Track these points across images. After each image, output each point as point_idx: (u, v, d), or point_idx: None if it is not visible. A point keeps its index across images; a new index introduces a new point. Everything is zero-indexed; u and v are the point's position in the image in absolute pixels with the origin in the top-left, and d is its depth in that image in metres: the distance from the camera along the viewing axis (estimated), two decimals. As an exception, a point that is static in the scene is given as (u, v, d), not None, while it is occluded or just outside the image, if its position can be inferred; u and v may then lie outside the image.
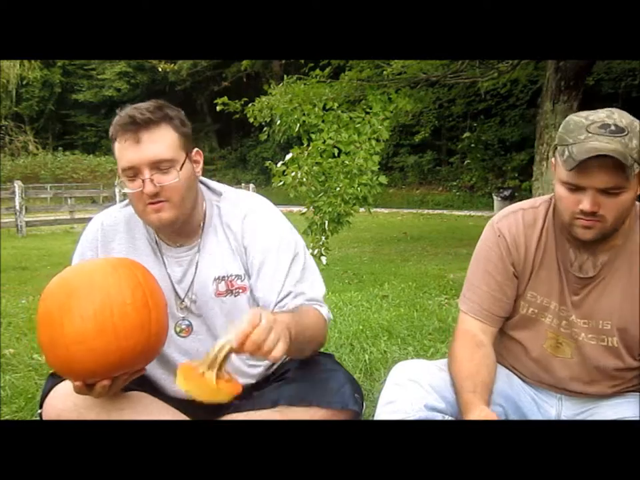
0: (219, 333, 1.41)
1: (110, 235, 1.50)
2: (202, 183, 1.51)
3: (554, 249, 1.35)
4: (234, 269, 1.46)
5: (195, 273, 1.46)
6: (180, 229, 1.43)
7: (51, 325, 1.22)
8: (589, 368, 1.35)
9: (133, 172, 1.34)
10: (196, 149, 1.45)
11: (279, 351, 1.11)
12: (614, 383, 1.35)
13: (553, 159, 1.30)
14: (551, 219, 1.36)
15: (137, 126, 1.33)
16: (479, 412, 1.17)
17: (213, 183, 1.54)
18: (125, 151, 1.34)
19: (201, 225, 1.47)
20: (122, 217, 1.52)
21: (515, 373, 1.44)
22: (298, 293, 1.43)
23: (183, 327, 1.47)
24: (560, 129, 1.24)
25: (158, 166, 1.34)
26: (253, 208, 1.49)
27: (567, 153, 1.19)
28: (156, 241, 1.48)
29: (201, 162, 1.47)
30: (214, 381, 1.10)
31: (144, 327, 1.24)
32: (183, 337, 1.47)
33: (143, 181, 1.33)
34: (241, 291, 1.46)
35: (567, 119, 1.25)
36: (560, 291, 1.35)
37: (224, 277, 1.45)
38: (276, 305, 1.42)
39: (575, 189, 1.20)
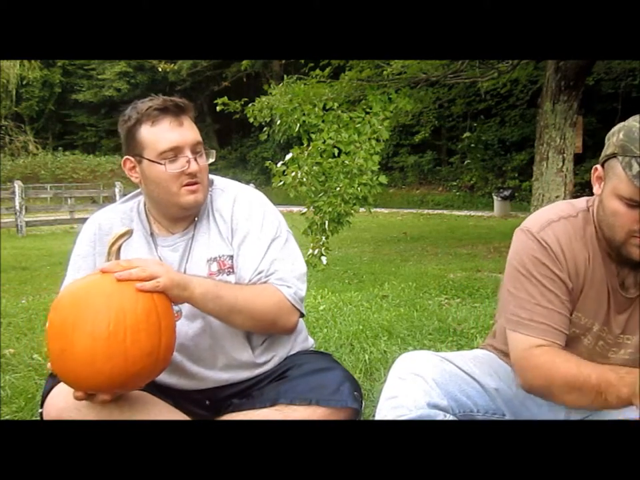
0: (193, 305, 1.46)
1: (105, 229, 1.54)
2: None
3: (602, 266, 1.23)
4: (225, 249, 1.50)
5: (190, 256, 1.51)
6: (183, 216, 1.51)
7: (62, 338, 1.20)
8: None
9: (174, 153, 1.42)
10: None
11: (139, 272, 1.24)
12: None
13: (597, 170, 1.18)
14: (592, 232, 1.24)
15: (180, 110, 1.43)
16: None
17: None
18: (167, 133, 1.42)
19: (197, 211, 1.53)
20: (117, 213, 1.57)
21: None
22: (270, 272, 1.46)
23: (174, 312, 1.50)
24: (620, 136, 1.11)
25: (195, 149, 1.45)
26: (240, 193, 1.56)
27: (636, 166, 1.07)
28: (151, 233, 1.53)
29: None
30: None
31: (153, 353, 1.23)
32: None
33: (188, 160, 1.42)
34: (232, 270, 1.50)
35: (626, 125, 1.12)
36: (606, 312, 1.26)
37: (216, 257, 1.50)
38: (249, 281, 1.46)
39: (636, 205, 1.10)
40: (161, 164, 1.41)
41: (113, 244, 1.30)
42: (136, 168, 1.47)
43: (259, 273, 1.46)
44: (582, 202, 1.29)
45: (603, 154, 1.18)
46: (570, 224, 1.24)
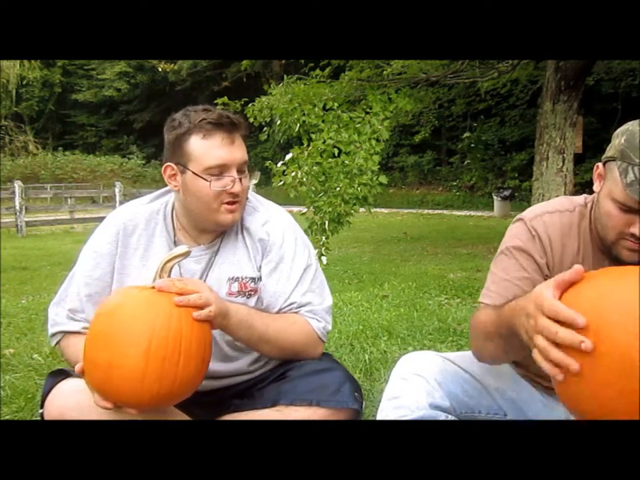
0: (224, 332, 1.43)
1: (129, 229, 1.50)
2: None
3: (591, 261, 1.25)
4: (249, 271, 1.49)
5: (211, 271, 1.49)
6: (215, 230, 1.49)
7: (112, 351, 1.17)
8: None
9: (220, 170, 1.39)
10: None
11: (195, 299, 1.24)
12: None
13: (599, 167, 1.19)
14: (586, 227, 1.26)
15: (233, 127, 1.40)
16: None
17: None
18: (217, 149, 1.38)
19: None
20: (143, 213, 1.53)
21: (527, 379, 1.39)
22: (302, 304, 1.47)
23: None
24: (622, 141, 1.11)
25: (242, 168, 1.42)
26: (272, 214, 1.53)
27: (632, 175, 1.08)
28: (174, 242, 1.50)
29: None
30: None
31: (196, 381, 1.26)
32: None
33: (233, 180, 1.39)
34: (253, 293, 1.49)
35: (630, 129, 1.12)
36: None
37: (238, 277, 1.48)
38: (279, 310, 1.47)
39: (627, 209, 1.11)
40: (206, 180, 1.38)
41: (168, 261, 1.28)
42: (176, 177, 1.43)
43: (291, 304, 1.47)
44: (581, 198, 1.31)
45: (605, 153, 1.18)
46: (565, 217, 1.27)
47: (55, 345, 1.54)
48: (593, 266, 1.25)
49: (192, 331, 1.22)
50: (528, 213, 1.31)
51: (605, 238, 1.20)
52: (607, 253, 1.23)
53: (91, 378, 1.23)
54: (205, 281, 1.47)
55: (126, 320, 1.20)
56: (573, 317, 0.82)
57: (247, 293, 1.48)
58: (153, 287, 1.26)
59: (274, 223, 1.51)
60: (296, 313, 1.47)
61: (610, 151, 1.16)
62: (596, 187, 1.22)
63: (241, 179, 1.41)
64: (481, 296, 1.34)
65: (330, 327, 1.53)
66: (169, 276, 1.29)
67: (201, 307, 1.25)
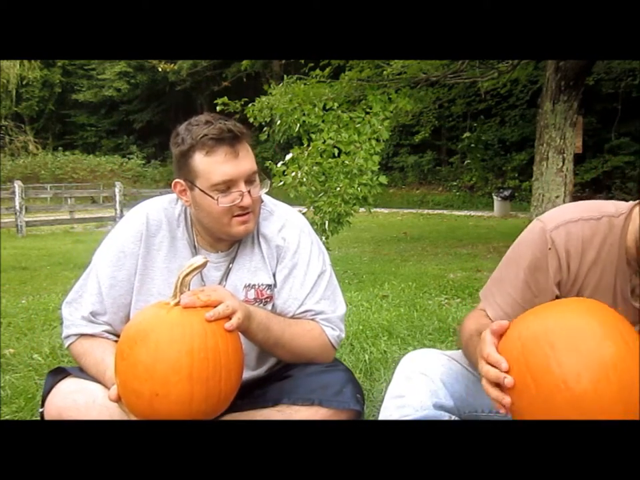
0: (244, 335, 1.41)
1: (153, 230, 1.48)
2: None
3: (613, 275, 1.19)
4: (264, 278, 1.48)
5: (229, 278, 1.48)
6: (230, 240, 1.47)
7: (154, 381, 1.15)
8: None
9: (227, 185, 1.36)
10: None
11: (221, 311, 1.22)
12: None
13: None
14: (616, 237, 1.17)
15: (236, 139, 1.35)
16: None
17: None
18: (222, 165, 1.34)
19: None
20: (166, 214, 1.50)
21: None
22: (317, 312, 1.47)
23: None
24: None
25: (250, 178, 1.38)
26: (288, 219, 1.52)
27: None
28: (194, 246, 1.49)
29: None
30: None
31: (238, 388, 1.26)
32: None
33: (242, 194, 1.36)
34: (269, 300, 1.49)
35: None
36: None
37: (254, 285, 1.48)
38: (292, 316, 1.47)
39: None
40: (213, 198, 1.35)
41: (187, 275, 1.25)
42: (186, 192, 1.41)
43: (305, 312, 1.46)
44: (610, 206, 1.23)
45: None
46: (588, 226, 1.19)
47: (68, 346, 1.49)
48: (616, 279, 1.20)
49: (227, 342, 1.22)
50: (549, 220, 1.22)
51: None
52: (633, 262, 1.17)
53: (134, 407, 1.21)
54: (225, 287, 1.44)
55: (164, 347, 1.17)
56: (499, 362, 1.00)
57: (263, 300, 1.48)
58: (177, 303, 1.23)
59: (290, 228, 1.50)
60: (311, 320, 1.47)
61: None
62: None
63: (250, 190, 1.38)
64: (483, 295, 1.31)
65: (344, 335, 1.52)
66: (189, 288, 1.26)
67: (229, 316, 1.23)
